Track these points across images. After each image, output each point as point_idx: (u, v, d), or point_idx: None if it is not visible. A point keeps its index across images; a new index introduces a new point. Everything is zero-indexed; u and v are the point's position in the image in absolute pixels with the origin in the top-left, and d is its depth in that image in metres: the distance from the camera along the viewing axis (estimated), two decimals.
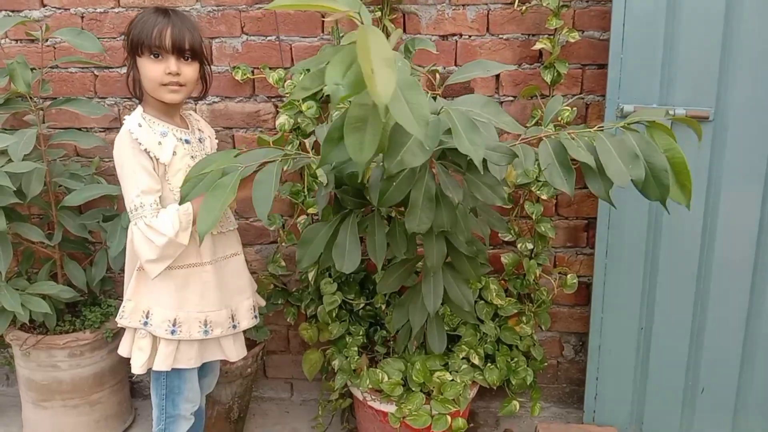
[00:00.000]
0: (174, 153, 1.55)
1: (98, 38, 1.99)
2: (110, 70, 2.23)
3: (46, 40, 2.14)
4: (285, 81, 2.11)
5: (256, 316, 1.74)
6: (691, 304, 2.00)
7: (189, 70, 1.57)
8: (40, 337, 2.01)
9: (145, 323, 1.58)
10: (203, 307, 1.61)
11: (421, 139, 1.15)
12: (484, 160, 1.42)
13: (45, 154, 2.02)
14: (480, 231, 1.70)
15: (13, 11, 2.20)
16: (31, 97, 2.01)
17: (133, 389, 2.39)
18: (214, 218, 1.35)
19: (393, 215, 1.73)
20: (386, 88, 1.02)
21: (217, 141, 1.80)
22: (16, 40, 2.22)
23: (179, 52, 1.54)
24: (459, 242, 1.66)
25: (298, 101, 2.07)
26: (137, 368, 1.59)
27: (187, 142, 1.60)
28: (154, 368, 1.60)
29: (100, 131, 2.27)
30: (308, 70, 2.05)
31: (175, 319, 1.58)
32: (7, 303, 1.90)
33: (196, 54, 1.58)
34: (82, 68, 2.23)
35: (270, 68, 2.14)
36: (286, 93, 2.09)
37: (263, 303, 1.84)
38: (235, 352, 1.70)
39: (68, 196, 1.95)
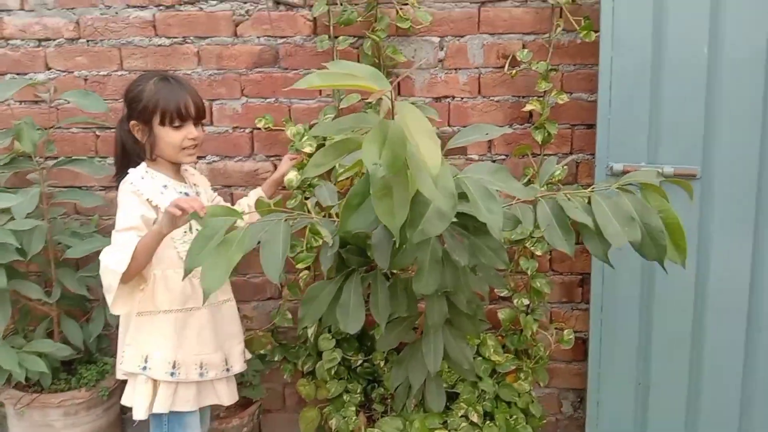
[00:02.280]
0: None
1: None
2: (112, 130, 2.26)
3: (53, 102, 2.19)
4: (303, 136, 2.12)
5: (246, 361, 1.83)
6: (687, 358, 2.01)
7: (201, 133, 1.73)
8: (34, 396, 1.99)
9: (144, 368, 1.63)
10: (200, 349, 1.68)
11: (447, 211, 1.19)
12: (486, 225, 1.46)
13: (46, 212, 2.05)
14: (480, 289, 1.72)
15: (18, 74, 2.26)
16: (35, 157, 2.05)
17: None
18: (220, 276, 1.36)
19: (393, 273, 1.75)
20: (433, 159, 1.08)
21: (216, 193, 1.90)
22: (21, 102, 2.27)
23: (197, 119, 1.69)
24: (460, 301, 1.68)
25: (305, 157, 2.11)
26: (140, 414, 1.63)
27: (186, 194, 1.70)
28: (154, 411, 1.63)
29: (101, 190, 2.30)
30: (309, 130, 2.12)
31: (174, 361, 1.64)
32: (4, 362, 1.89)
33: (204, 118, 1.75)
34: (84, 128, 2.28)
35: (292, 123, 2.18)
36: (303, 149, 2.10)
37: (249, 355, 1.89)
38: (227, 395, 1.76)
39: (69, 249, 1.97)
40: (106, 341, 2.25)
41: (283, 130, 2.17)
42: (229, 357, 1.76)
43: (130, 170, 1.67)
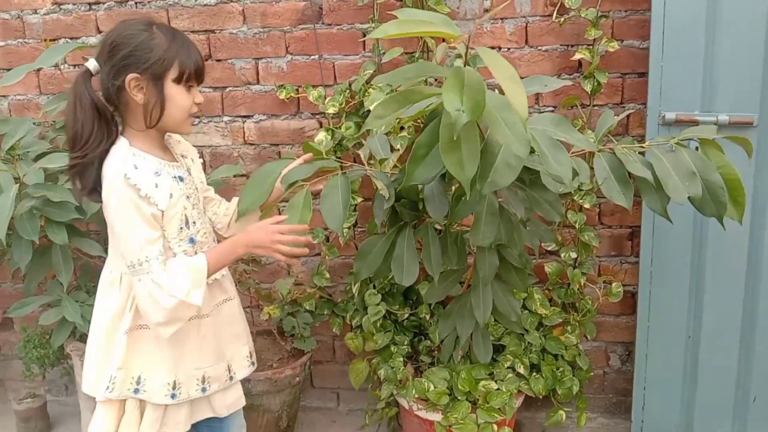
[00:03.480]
0: (170, 195, 1.36)
1: None
2: None
3: None
4: (325, 98, 2.17)
5: (253, 363, 1.59)
6: (740, 311, 1.97)
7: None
8: None
9: (136, 390, 1.40)
10: (201, 362, 1.44)
11: (523, 158, 1.18)
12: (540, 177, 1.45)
13: None
14: (530, 243, 1.71)
15: (71, 38, 2.32)
16: None
17: None
18: (255, 199, 1.45)
19: (444, 227, 1.75)
20: (520, 102, 1.07)
21: (201, 161, 1.58)
22: (74, 65, 2.33)
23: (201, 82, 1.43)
24: (510, 254, 1.69)
25: (333, 117, 2.15)
26: None
27: (180, 179, 1.41)
28: None
29: None
30: (349, 88, 2.13)
31: (174, 381, 1.41)
32: (68, 314, 2.00)
33: None
34: None
35: (312, 86, 2.21)
36: (327, 110, 2.15)
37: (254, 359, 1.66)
38: (225, 405, 1.52)
39: None
40: None
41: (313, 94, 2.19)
42: (233, 362, 1.52)
43: (114, 151, 1.34)
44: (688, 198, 1.44)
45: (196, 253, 1.41)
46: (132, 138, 1.37)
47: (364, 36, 2.18)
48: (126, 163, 1.32)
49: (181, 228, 1.39)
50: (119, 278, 1.41)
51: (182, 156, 1.48)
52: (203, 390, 1.45)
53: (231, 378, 1.51)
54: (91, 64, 1.35)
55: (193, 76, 1.36)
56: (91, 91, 1.33)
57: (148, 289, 1.30)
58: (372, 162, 1.78)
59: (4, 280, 2.53)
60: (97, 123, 1.33)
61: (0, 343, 2.63)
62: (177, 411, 1.44)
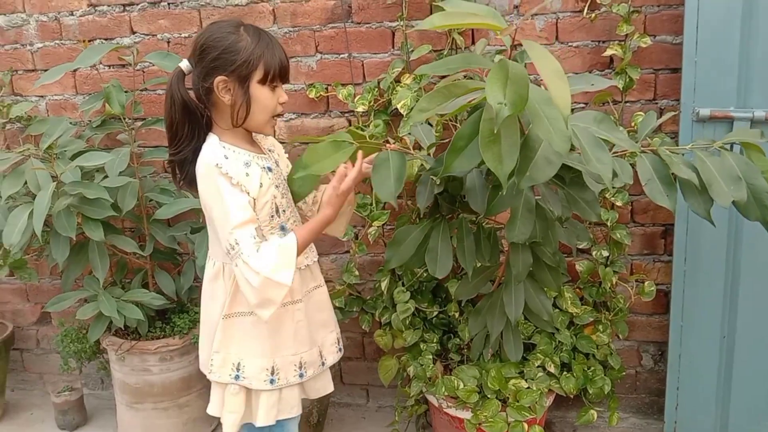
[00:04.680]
0: (260, 185, 1.41)
1: None
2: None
3: (137, 64, 2.29)
4: (354, 96, 2.19)
5: (340, 349, 1.65)
6: None
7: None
8: (133, 343, 2.14)
9: (237, 377, 1.46)
10: (297, 348, 1.50)
11: (562, 153, 1.17)
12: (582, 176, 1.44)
13: (137, 171, 2.16)
14: (567, 241, 1.70)
15: (106, 39, 2.36)
16: (124, 118, 2.16)
17: None
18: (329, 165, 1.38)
19: (477, 223, 1.75)
20: (563, 99, 1.06)
21: (287, 155, 1.65)
22: (110, 66, 2.38)
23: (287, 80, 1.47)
24: (544, 252, 1.67)
25: (362, 116, 2.15)
26: (230, 428, 1.47)
27: (269, 170, 1.46)
28: (258, 424, 1.47)
29: None
30: (378, 86, 2.13)
31: (272, 367, 1.47)
32: (105, 309, 2.04)
33: None
34: None
35: (342, 85, 2.22)
36: (356, 109, 2.16)
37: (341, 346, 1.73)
38: (315, 389, 1.59)
39: (159, 209, 2.08)
40: (197, 292, 2.38)
41: (341, 92, 2.21)
42: (323, 349, 1.58)
43: (205, 146, 1.41)
44: (733, 202, 1.42)
45: None
46: (221, 134, 1.43)
47: (393, 33, 2.18)
48: (217, 155, 1.37)
49: (272, 216, 1.44)
50: (221, 268, 1.47)
51: (269, 150, 1.55)
52: (301, 376, 1.50)
53: (323, 364, 1.57)
54: (184, 65, 1.42)
55: (277, 77, 1.41)
56: (183, 91, 1.40)
57: (241, 270, 1.34)
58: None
59: (43, 276, 2.60)
60: (188, 121, 1.41)
61: (39, 337, 2.70)
62: (290, 395, 1.50)
